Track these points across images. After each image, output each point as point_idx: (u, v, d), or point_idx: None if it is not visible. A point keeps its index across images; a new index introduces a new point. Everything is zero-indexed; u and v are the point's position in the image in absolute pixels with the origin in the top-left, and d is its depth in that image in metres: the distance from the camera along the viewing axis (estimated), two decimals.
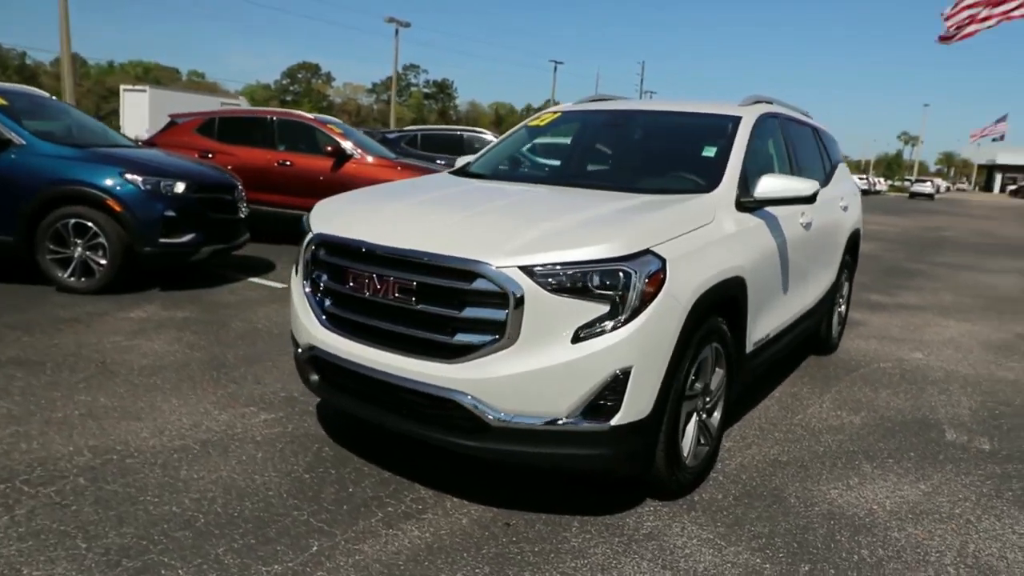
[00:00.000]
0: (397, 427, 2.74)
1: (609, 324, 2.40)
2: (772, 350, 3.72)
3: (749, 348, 3.34)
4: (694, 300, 2.63)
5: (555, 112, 4.32)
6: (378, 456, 3.13)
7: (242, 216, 6.74)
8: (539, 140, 4.36)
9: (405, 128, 13.32)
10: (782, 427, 3.77)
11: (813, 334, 4.76)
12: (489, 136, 12.84)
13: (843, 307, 5.47)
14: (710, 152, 3.52)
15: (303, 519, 2.61)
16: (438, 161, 10.74)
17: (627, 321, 2.41)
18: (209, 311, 5.45)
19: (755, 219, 3.33)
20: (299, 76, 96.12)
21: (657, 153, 3.81)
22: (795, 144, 4.31)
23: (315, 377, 3.00)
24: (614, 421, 2.45)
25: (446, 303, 2.52)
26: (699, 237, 2.81)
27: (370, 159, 8.83)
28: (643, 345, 2.44)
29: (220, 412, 3.53)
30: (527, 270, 2.41)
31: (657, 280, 2.48)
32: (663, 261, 2.51)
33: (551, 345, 2.40)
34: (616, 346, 2.40)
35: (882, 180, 77.82)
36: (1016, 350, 5.77)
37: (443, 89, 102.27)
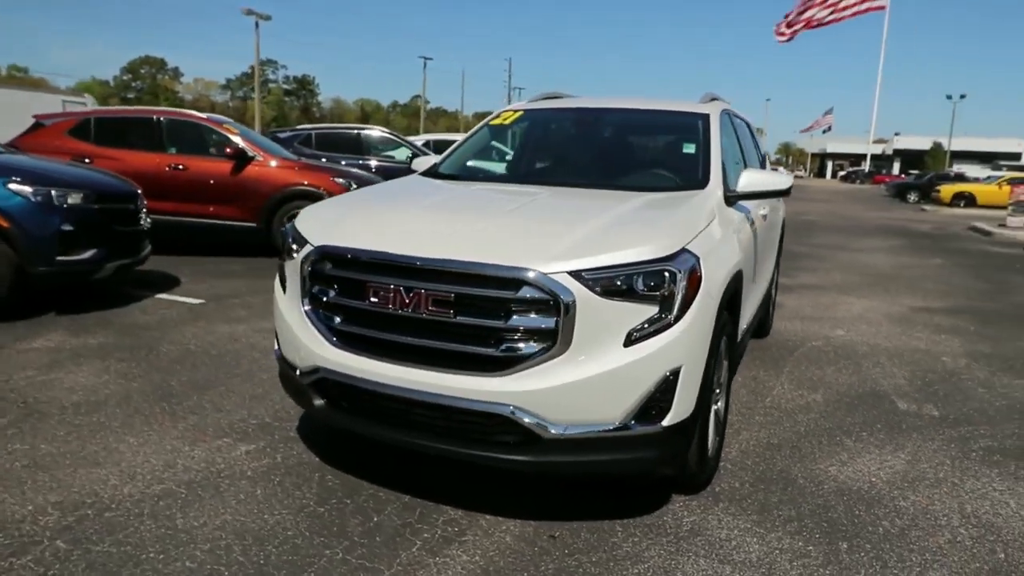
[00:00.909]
0: (425, 448, 2.58)
1: (659, 325, 2.38)
2: (748, 337, 3.87)
3: (739, 337, 3.45)
4: (720, 295, 2.67)
5: (517, 111, 4.25)
6: (387, 479, 2.93)
7: (145, 227, 6.12)
8: (496, 142, 4.26)
9: (298, 127, 12.64)
10: (759, 410, 3.94)
11: (763, 318, 5.02)
12: (383, 133, 12.49)
13: (774, 291, 5.82)
14: (690, 148, 3.59)
15: (339, 558, 2.39)
16: (342, 162, 10.30)
17: (675, 320, 2.41)
18: (127, 335, 4.89)
19: (738, 213, 3.44)
20: (142, 71, 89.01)
21: (639, 151, 3.85)
22: (741, 138, 4.50)
23: (320, 402, 2.76)
24: (665, 422, 2.43)
25: (490, 314, 2.39)
26: (713, 233, 2.85)
27: (273, 161, 8.31)
28: (690, 344, 2.45)
29: (191, 448, 3.17)
30: (576, 275, 2.33)
31: (696, 278, 2.48)
32: (697, 259, 2.53)
33: (604, 350, 2.35)
34: (668, 347, 2.38)
35: None
36: (915, 322, 6.38)
37: (304, 85, 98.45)
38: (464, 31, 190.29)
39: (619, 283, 2.36)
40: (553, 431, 2.36)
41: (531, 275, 2.33)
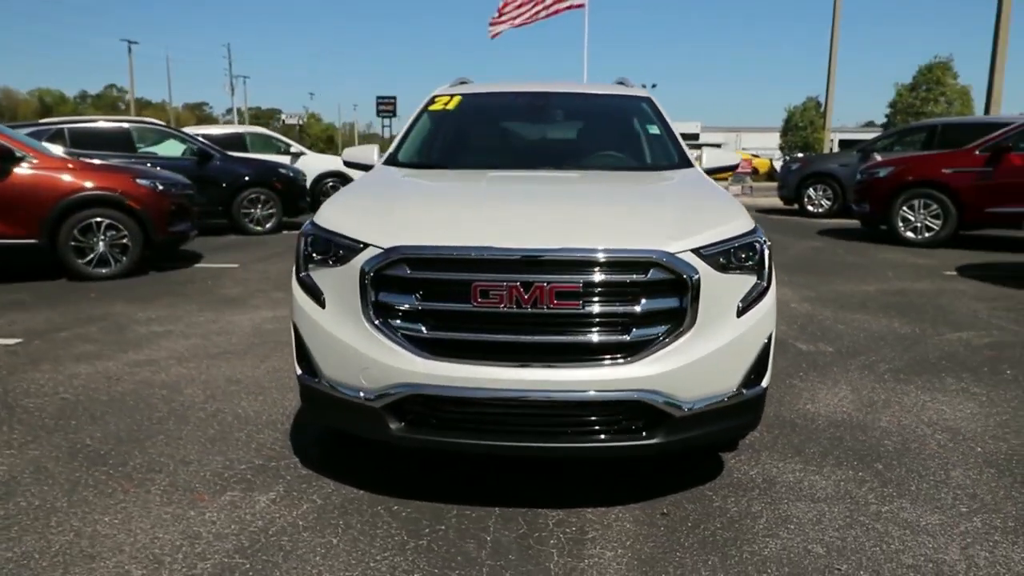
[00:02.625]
0: (537, 452, 2.44)
1: (758, 293, 2.53)
2: None
3: None
4: None
5: (453, 95, 4.06)
6: (454, 495, 2.70)
7: None
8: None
9: (40, 122, 10.36)
10: None
11: None
12: (157, 124, 10.90)
13: None
14: (655, 130, 3.78)
15: None
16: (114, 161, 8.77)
17: (767, 288, 2.57)
18: None
19: None
20: None
21: (606, 133, 3.91)
22: None
23: (396, 424, 2.45)
24: (763, 384, 2.60)
25: (619, 300, 2.33)
26: None
27: (52, 162, 6.86)
28: (775, 308, 2.63)
29: (198, 512, 2.59)
30: (698, 252, 2.38)
31: (768, 248, 2.67)
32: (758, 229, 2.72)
33: (723, 323, 2.43)
34: (767, 313, 2.54)
35: None
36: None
37: None
38: (166, 12, 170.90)
39: (730, 257, 2.45)
40: (682, 407, 2.39)
41: (661, 256, 2.32)
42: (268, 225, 11.16)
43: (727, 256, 2.44)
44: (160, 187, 7.39)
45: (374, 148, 3.80)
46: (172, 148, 10.52)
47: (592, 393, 2.32)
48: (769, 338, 2.58)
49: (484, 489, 2.76)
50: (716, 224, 2.50)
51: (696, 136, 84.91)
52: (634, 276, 2.32)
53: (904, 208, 9.73)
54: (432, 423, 2.45)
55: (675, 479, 2.85)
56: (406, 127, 3.85)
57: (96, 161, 7.60)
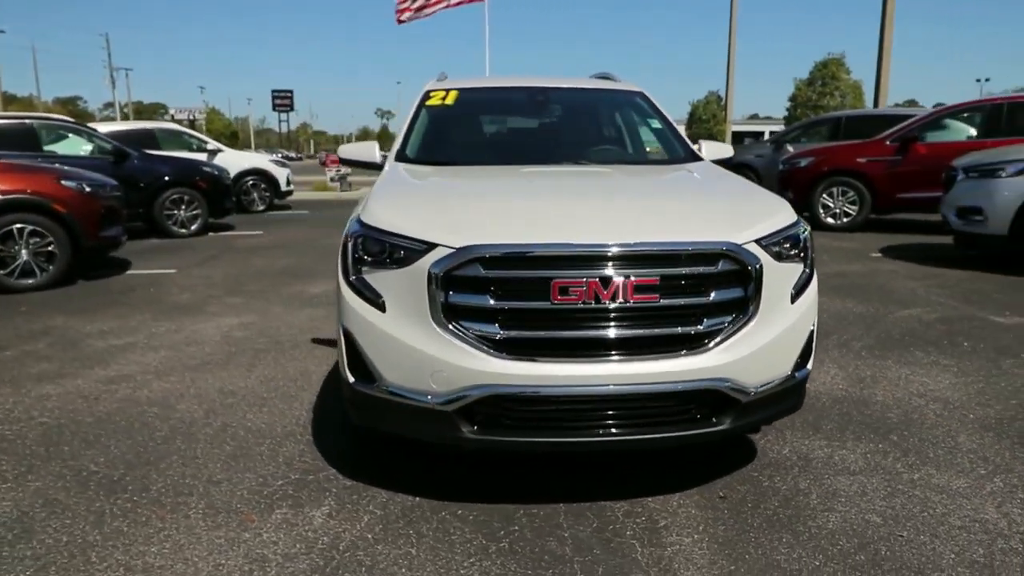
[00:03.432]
0: (612, 445, 2.47)
1: (806, 280, 2.65)
2: None
3: None
4: None
5: (450, 90, 3.98)
6: (517, 495, 2.68)
7: None
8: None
9: None
10: None
11: None
12: (67, 121, 10.05)
13: None
14: (656, 124, 3.85)
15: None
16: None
17: (811, 276, 2.69)
18: None
19: None
20: None
21: (612, 127, 3.94)
22: None
23: (468, 427, 2.40)
24: (808, 367, 2.72)
25: (693, 292, 2.38)
26: None
27: None
28: (817, 295, 2.76)
29: (252, 535, 2.45)
30: (760, 243, 2.46)
31: (810, 237, 2.79)
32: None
33: (779, 311, 2.53)
34: (814, 299, 2.67)
35: None
36: None
37: None
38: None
39: (782, 247, 2.55)
40: (750, 394, 2.47)
41: (731, 248, 2.38)
42: (193, 227, 10.55)
43: (780, 246, 2.54)
44: (88, 189, 6.83)
45: (374, 145, 3.67)
46: (83, 146, 9.73)
47: (669, 384, 2.36)
48: (814, 323, 2.70)
49: (539, 487, 2.75)
50: (769, 215, 2.60)
51: None
52: (706, 268, 2.37)
53: (824, 195, 10.38)
54: (505, 424, 2.41)
55: (718, 463, 2.94)
56: (408, 123, 3.74)
57: (18, 161, 6.92)
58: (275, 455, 3.05)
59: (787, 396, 2.65)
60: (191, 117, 63.39)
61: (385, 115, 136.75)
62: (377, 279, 2.48)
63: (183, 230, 10.48)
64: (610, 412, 2.41)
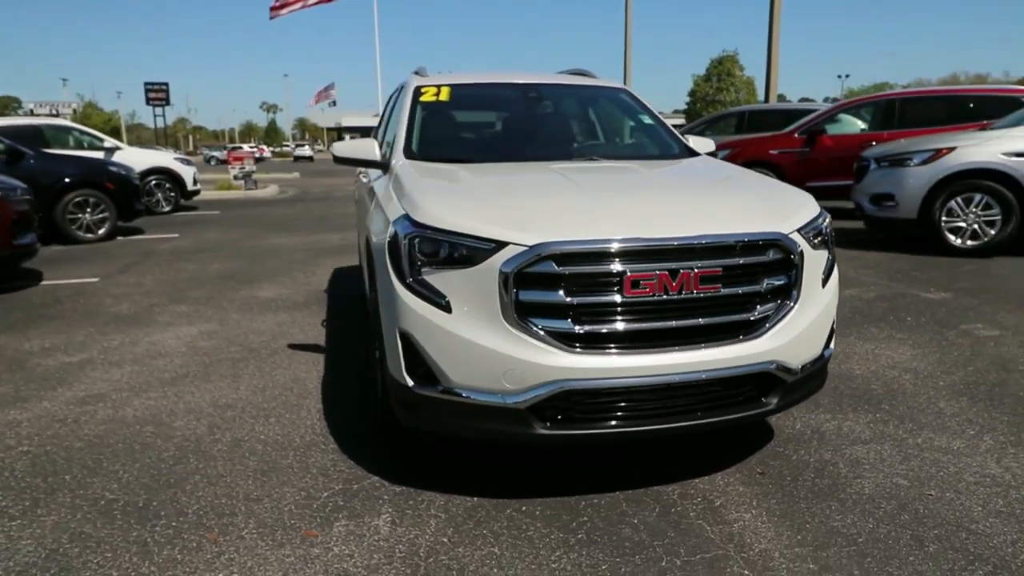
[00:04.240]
0: (675, 432, 2.57)
1: (830, 266, 2.84)
2: None
3: None
4: None
5: (442, 86, 3.93)
6: (570, 487, 2.73)
7: None
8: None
9: None
10: None
11: None
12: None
13: None
14: (647, 119, 3.97)
15: (680, 561, 2.26)
16: None
17: (834, 262, 2.89)
18: None
19: None
20: None
21: (611, 123, 4.00)
22: None
23: (540, 424, 2.42)
24: (832, 346, 2.93)
25: (749, 280, 2.51)
26: None
27: None
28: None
29: (322, 550, 2.37)
30: (800, 232, 2.62)
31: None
32: None
33: (815, 295, 2.70)
34: (837, 283, 2.87)
35: (265, 147, 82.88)
36: None
37: None
38: None
39: (813, 235, 2.72)
40: (796, 373, 2.63)
41: (781, 237, 2.52)
42: (101, 231, 9.77)
43: (813, 234, 2.72)
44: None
45: (373, 143, 3.56)
46: None
47: (729, 370, 2.48)
48: (835, 306, 2.91)
49: (587, 479, 2.80)
50: (803, 206, 2.77)
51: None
52: (759, 257, 2.51)
53: None
54: (576, 418, 2.45)
55: (742, 442, 3.11)
56: (407, 120, 3.65)
57: None
58: (306, 467, 2.94)
59: (819, 374, 2.84)
60: (54, 111, 58.16)
61: (272, 109, 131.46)
62: (439, 279, 2.44)
63: (89, 235, 9.68)
64: (675, 399, 2.50)
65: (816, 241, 2.72)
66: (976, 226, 7.25)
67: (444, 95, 3.87)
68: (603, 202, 2.69)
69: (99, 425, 3.40)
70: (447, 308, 2.42)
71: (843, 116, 10.75)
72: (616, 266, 2.35)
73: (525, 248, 2.32)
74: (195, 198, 14.85)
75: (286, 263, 7.92)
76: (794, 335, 2.59)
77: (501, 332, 2.37)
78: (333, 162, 3.70)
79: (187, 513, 2.59)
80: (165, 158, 13.97)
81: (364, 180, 4.30)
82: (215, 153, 49.83)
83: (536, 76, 4.20)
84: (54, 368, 4.28)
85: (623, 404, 2.47)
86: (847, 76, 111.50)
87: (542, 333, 2.36)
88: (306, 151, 66.64)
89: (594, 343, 2.39)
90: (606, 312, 2.39)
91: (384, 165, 3.52)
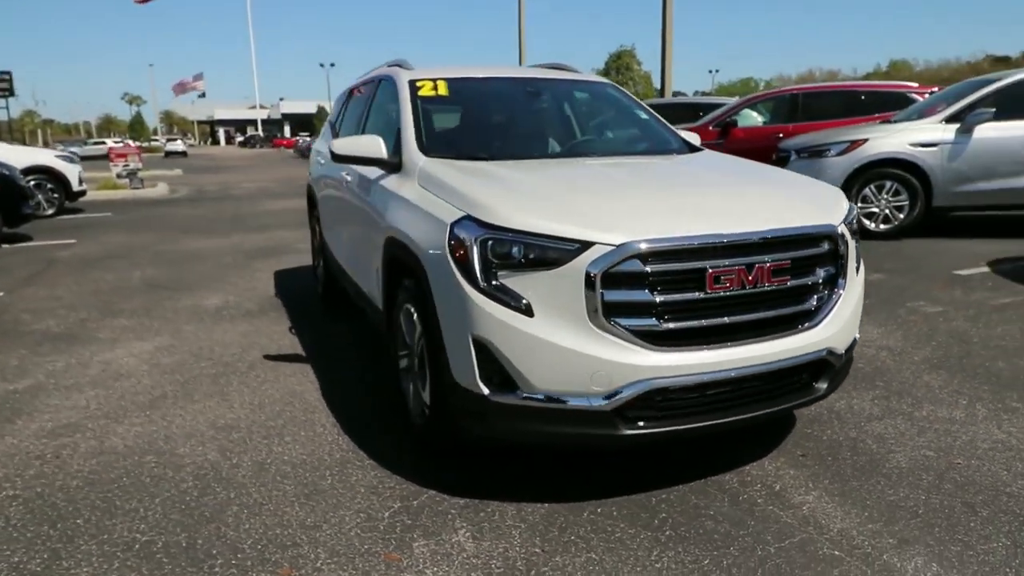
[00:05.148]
0: (749, 421, 2.62)
1: (858, 254, 2.99)
2: None
3: None
4: None
5: (437, 80, 3.78)
6: (628, 485, 2.74)
7: None
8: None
9: None
10: None
11: None
12: None
13: None
14: (642, 114, 4.01)
15: (772, 549, 2.32)
16: None
17: (858, 251, 3.05)
18: None
19: None
20: None
21: (609, 117, 3.97)
22: None
23: (625, 424, 2.40)
24: (858, 333, 3.09)
25: (808, 271, 2.60)
26: None
27: None
28: None
29: (414, 573, 2.23)
30: (844, 222, 2.74)
31: None
32: None
33: (853, 282, 2.84)
34: (863, 269, 3.03)
35: (132, 142, 76.79)
36: None
37: None
38: None
39: (854, 226, 2.86)
40: (842, 358, 2.76)
41: (833, 230, 2.63)
42: None
43: (850, 225, 2.85)
44: None
45: (379, 139, 3.37)
46: None
47: (794, 358, 2.56)
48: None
49: (636, 476, 2.81)
50: (840, 198, 2.89)
51: None
52: (816, 249, 2.61)
53: None
54: (656, 416, 2.45)
55: (768, 428, 3.22)
56: (411, 116, 3.47)
57: None
58: (350, 487, 2.76)
59: (850, 357, 2.99)
60: None
61: (135, 101, 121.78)
62: (518, 282, 2.35)
63: None
64: (748, 390, 2.55)
65: (852, 231, 2.85)
66: (888, 211, 7.89)
67: (442, 89, 3.73)
68: (669, 199, 2.70)
69: (88, 459, 3.04)
70: (529, 311, 2.34)
71: (754, 109, 11.38)
72: (700, 262, 2.37)
73: (613, 248, 2.29)
74: (81, 199, 13.54)
75: (217, 268, 7.40)
76: (842, 322, 2.72)
77: (586, 333, 2.32)
78: (331, 160, 3.48)
79: (243, 549, 2.36)
80: (45, 156, 12.62)
81: (348, 178, 4.07)
82: (74, 149, 45.67)
83: (523, 70, 4.14)
84: (2, 398, 3.77)
85: (699, 398, 2.49)
86: (717, 71, 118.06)
87: (628, 332, 2.34)
88: (179, 146, 62.35)
89: (679, 340, 2.40)
90: (689, 308, 2.40)
91: (393, 164, 3.35)
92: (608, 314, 2.33)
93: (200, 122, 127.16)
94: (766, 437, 3.12)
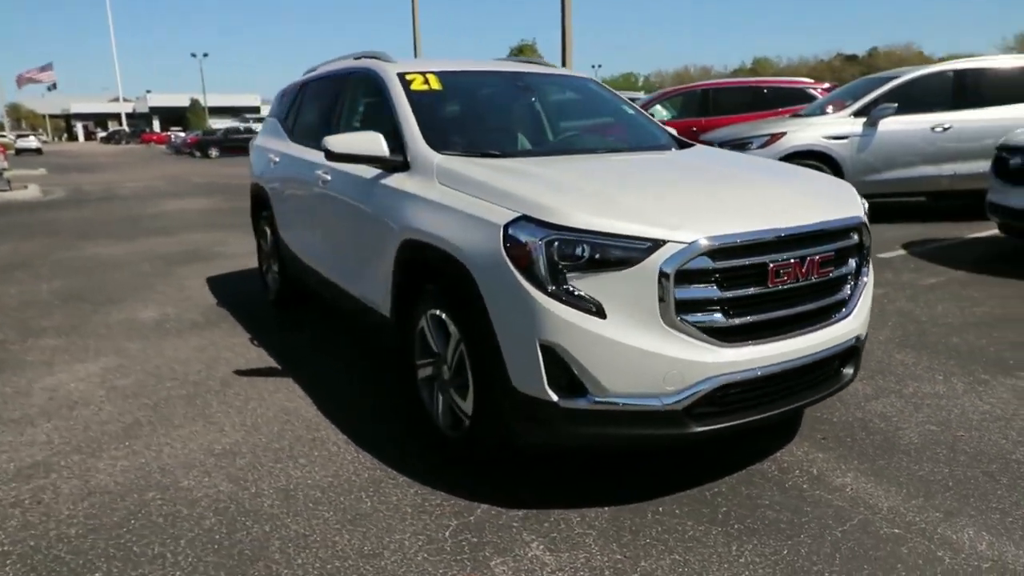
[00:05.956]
0: (800, 408, 2.72)
1: (869, 245, 3.14)
2: None
3: None
4: None
5: (427, 73, 3.61)
6: (671, 484, 2.75)
7: None
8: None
9: None
10: None
11: None
12: None
13: None
14: (630, 110, 4.02)
15: (843, 535, 2.40)
16: None
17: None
18: None
19: None
20: None
21: (605, 112, 3.93)
22: None
23: (694, 421, 2.40)
24: None
25: (843, 262, 2.72)
26: None
27: None
28: None
29: None
30: (865, 215, 2.86)
31: None
32: None
33: (867, 271, 2.98)
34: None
35: None
36: None
37: None
38: None
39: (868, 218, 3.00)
40: (863, 343, 2.90)
41: (860, 222, 2.75)
42: None
43: (867, 216, 2.99)
44: None
45: (379, 136, 3.18)
46: None
47: (836, 347, 2.66)
48: None
49: (661, 473, 2.83)
50: (855, 192, 3.02)
51: (257, 109, 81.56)
52: (849, 240, 2.71)
53: None
54: (720, 411, 2.46)
55: None
56: (409, 112, 3.27)
57: None
58: (392, 507, 2.60)
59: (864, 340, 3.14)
60: None
61: None
62: (588, 284, 2.29)
63: None
64: (800, 379, 2.62)
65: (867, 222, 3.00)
66: None
67: (435, 83, 3.57)
68: (714, 195, 2.70)
69: (78, 502, 2.68)
70: (601, 313, 2.28)
71: (669, 103, 11.78)
72: (762, 257, 2.40)
73: (685, 245, 2.27)
74: None
75: (137, 277, 6.77)
76: (866, 309, 2.85)
77: (659, 333, 2.30)
78: (325, 158, 3.24)
79: None
80: None
81: (328, 177, 3.82)
82: None
83: (510, 64, 4.04)
84: None
85: (761, 391, 2.53)
86: (600, 66, 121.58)
87: (697, 330, 2.34)
88: (32, 142, 56.71)
89: (744, 335, 2.43)
90: (753, 303, 2.43)
91: (396, 163, 3.17)
92: (680, 312, 2.31)
93: (53, 116, 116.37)
94: (780, 423, 3.22)
